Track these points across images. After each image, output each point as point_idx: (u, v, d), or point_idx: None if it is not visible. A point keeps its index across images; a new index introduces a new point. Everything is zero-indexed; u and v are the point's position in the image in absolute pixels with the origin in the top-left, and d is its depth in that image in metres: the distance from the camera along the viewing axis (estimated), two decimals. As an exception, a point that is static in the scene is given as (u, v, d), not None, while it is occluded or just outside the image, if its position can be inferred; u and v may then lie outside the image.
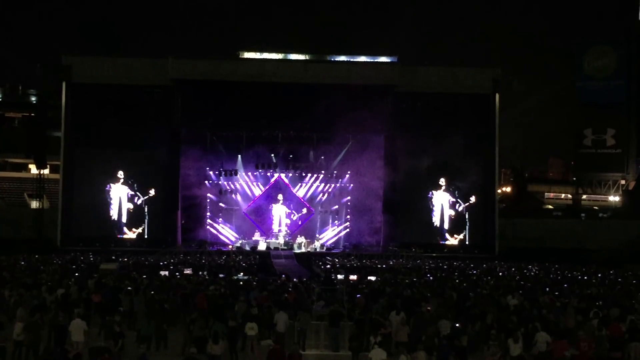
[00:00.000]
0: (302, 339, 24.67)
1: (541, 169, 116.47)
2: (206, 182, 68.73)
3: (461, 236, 67.92)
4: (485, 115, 67.50)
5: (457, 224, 67.99)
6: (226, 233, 68.99)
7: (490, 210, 67.94)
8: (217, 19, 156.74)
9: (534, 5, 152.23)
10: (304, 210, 69.82)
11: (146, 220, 66.25)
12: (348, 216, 70.05)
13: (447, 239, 67.82)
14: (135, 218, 66.22)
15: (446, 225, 68.01)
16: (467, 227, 67.92)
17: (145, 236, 66.11)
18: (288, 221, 68.91)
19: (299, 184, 69.93)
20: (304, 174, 69.66)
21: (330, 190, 69.88)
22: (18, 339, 21.67)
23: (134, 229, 66.15)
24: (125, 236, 65.96)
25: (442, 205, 68.09)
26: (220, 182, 68.89)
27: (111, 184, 65.92)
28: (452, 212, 67.93)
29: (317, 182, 69.84)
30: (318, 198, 70.16)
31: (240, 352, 23.51)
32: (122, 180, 66.01)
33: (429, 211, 68.01)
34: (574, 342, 21.03)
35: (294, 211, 69.43)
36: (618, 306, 27.12)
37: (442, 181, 67.97)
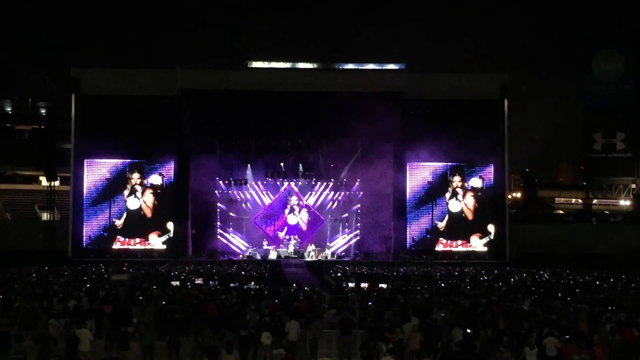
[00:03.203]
0: (314, 347, 24.62)
1: (551, 174, 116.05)
2: (216, 191, 68.72)
3: (476, 239, 67.55)
4: (494, 121, 67.40)
5: (468, 229, 67.78)
6: (236, 242, 68.96)
7: (501, 216, 67.79)
8: (224, 29, 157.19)
9: (541, 10, 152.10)
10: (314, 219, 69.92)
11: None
12: (358, 224, 69.89)
13: (459, 244, 67.57)
14: (150, 224, 66.40)
15: (457, 231, 67.81)
16: (478, 233, 67.72)
17: (163, 245, 66.08)
18: (305, 223, 68.88)
19: (309, 193, 69.89)
20: (313, 182, 69.65)
21: (340, 198, 69.81)
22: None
23: (157, 232, 66.17)
24: (137, 246, 66.00)
25: (453, 210, 67.97)
26: (230, 192, 68.91)
27: (124, 193, 66.17)
28: (470, 215, 67.70)
29: (327, 190, 69.78)
30: (328, 206, 70.08)
31: (251, 361, 23.53)
32: (132, 189, 66.24)
33: (439, 218, 67.85)
34: (587, 347, 20.97)
35: (301, 218, 69.34)
36: (632, 311, 27.01)
37: (455, 184, 67.82)
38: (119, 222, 66.06)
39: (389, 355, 19.93)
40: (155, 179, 66.57)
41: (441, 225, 67.74)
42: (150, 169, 66.44)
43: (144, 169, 66.39)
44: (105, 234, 65.81)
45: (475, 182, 67.98)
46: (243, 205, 69.27)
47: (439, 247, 67.30)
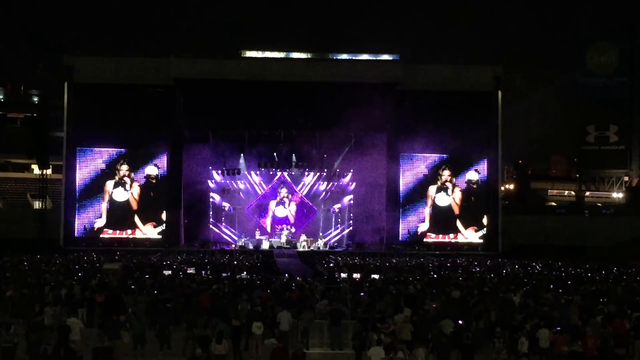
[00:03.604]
0: (305, 337, 24.61)
1: (544, 166, 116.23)
2: (209, 181, 68.60)
3: (471, 232, 67.73)
4: (487, 112, 67.41)
5: (455, 223, 67.90)
6: (229, 232, 68.88)
7: (494, 208, 67.92)
8: (219, 18, 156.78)
9: (535, 2, 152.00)
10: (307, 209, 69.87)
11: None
12: (351, 214, 69.87)
13: (450, 238, 67.79)
14: (140, 216, 66.27)
15: (444, 225, 67.94)
16: (470, 224, 67.86)
17: (159, 236, 66.00)
18: (293, 216, 68.95)
19: (302, 183, 69.83)
20: (306, 173, 69.54)
21: (332, 188, 69.77)
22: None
23: (151, 223, 66.08)
24: (129, 235, 65.96)
25: (440, 204, 68.09)
26: (223, 181, 68.78)
27: (111, 182, 66.04)
28: (456, 210, 67.90)
29: (320, 181, 69.72)
30: (321, 196, 70.04)
31: (243, 351, 23.48)
32: (119, 181, 66.14)
33: (432, 208, 67.94)
34: (579, 339, 21.00)
35: (290, 211, 69.28)
36: (623, 303, 27.08)
37: (445, 178, 67.93)
38: (100, 221, 65.89)
39: (378, 346, 19.93)
40: (151, 170, 66.44)
41: (426, 220, 67.92)
42: (144, 160, 66.30)
43: (137, 160, 66.27)
44: (98, 221, 65.72)
45: (472, 175, 68.11)
46: (236, 195, 69.14)
47: (431, 239, 67.50)
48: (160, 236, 65.80)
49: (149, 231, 66.01)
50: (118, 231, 65.91)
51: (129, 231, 65.95)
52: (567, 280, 38.02)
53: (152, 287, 31.14)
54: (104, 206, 65.91)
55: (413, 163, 67.92)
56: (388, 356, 19.37)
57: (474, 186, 68.22)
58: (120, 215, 65.98)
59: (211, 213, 69.02)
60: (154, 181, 66.52)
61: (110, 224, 65.87)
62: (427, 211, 67.99)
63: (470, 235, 67.69)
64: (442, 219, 67.87)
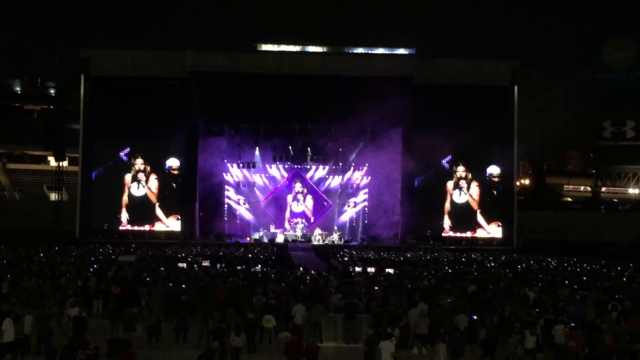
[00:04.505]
0: (316, 331, 24.59)
1: (560, 161, 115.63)
2: (224, 174, 68.77)
3: (494, 227, 67.59)
4: (504, 107, 67.05)
5: (475, 219, 67.76)
6: (244, 225, 68.98)
7: (509, 203, 67.66)
8: (235, 11, 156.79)
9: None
10: (323, 203, 69.92)
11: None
12: (366, 208, 69.89)
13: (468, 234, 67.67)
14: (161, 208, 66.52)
15: (463, 222, 67.78)
16: (492, 219, 67.70)
17: (179, 228, 66.17)
18: (310, 210, 69.02)
19: (317, 177, 69.83)
20: (321, 167, 69.55)
21: (347, 182, 69.76)
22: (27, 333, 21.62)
23: (174, 216, 66.22)
24: (146, 227, 66.17)
25: (461, 199, 67.94)
26: (238, 174, 68.89)
27: (129, 176, 66.24)
28: (475, 205, 67.72)
29: (335, 174, 69.73)
30: (335, 190, 70.05)
31: (258, 344, 23.54)
32: (137, 173, 66.35)
33: (449, 203, 67.82)
34: (594, 335, 20.94)
35: (306, 205, 69.30)
36: (638, 299, 26.95)
37: (459, 175, 67.79)
38: (122, 216, 66.22)
39: (388, 340, 19.82)
40: (173, 162, 66.72)
41: (445, 217, 67.82)
42: (161, 152, 66.50)
43: (153, 152, 66.46)
44: (119, 216, 65.94)
45: (493, 169, 68.03)
46: (251, 188, 69.25)
47: (449, 234, 67.45)
48: (180, 229, 66.00)
49: (172, 224, 66.17)
50: (137, 226, 66.10)
51: (147, 227, 66.12)
52: (582, 276, 37.87)
53: (167, 279, 31.26)
54: (124, 200, 66.16)
55: (428, 157, 67.64)
56: (399, 351, 19.30)
57: (496, 179, 68.01)
58: (141, 210, 66.21)
59: (226, 206, 69.19)
60: (176, 172, 66.67)
61: (131, 219, 66.10)
62: (445, 208, 67.86)
63: (492, 230, 67.51)
64: (461, 216, 67.71)
